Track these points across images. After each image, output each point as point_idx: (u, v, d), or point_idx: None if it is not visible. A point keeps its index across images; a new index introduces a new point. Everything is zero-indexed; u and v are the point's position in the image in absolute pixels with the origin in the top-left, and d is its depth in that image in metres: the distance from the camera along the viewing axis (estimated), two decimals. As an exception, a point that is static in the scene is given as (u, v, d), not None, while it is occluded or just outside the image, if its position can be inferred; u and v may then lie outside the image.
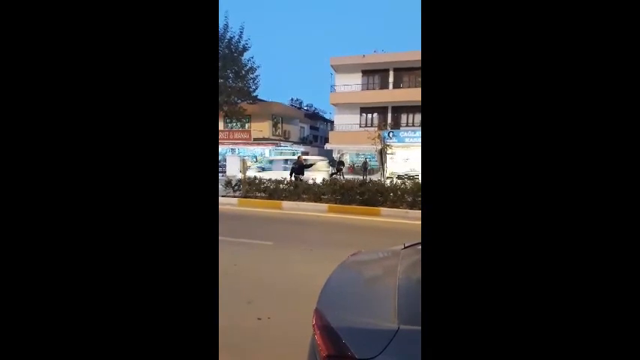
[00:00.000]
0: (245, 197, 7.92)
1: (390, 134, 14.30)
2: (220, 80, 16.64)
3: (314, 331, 1.13)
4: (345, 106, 19.80)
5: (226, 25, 16.38)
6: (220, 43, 16.36)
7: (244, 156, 18.63)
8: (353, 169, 17.89)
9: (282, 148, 21.94)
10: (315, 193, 7.49)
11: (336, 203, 7.07)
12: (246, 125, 21.78)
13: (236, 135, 21.80)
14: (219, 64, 16.48)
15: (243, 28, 16.71)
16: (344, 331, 1.03)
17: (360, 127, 19.36)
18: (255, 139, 21.41)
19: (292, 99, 31.51)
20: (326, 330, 1.07)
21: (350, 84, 19.51)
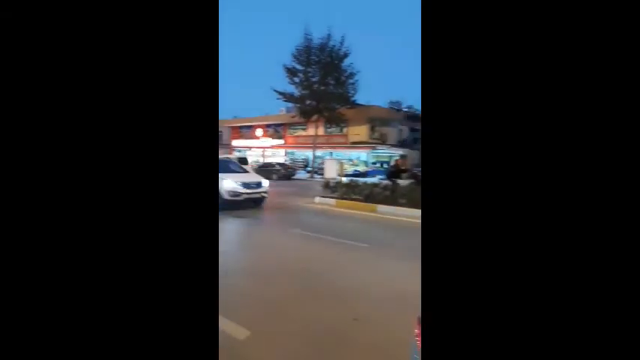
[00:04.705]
0: (342, 199, 8.15)
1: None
2: (322, 87, 17.67)
3: (417, 340, 1.08)
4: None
5: (329, 36, 17.28)
6: (322, 53, 17.40)
7: (341, 159, 19.24)
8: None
9: (378, 151, 21.71)
10: (413, 199, 7.14)
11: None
12: (344, 130, 22.42)
13: (334, 139, 22.68)
14: (321, 72, 17.52)
15: (344, 36, 17.32)
16: None
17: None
18: (352, 143, 21.82)
19: (391, 101, 30.81)
20: None
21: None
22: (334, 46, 17.31)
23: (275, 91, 18.55)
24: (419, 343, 1.06)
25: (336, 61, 17.39)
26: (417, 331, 1.09)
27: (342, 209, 7.60)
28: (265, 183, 7.71)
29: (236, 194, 6.89)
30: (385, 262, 3.84)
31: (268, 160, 23.49)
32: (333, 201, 8.09)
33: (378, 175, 16.52)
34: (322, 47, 17.43)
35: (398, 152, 21.63)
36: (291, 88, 18.38)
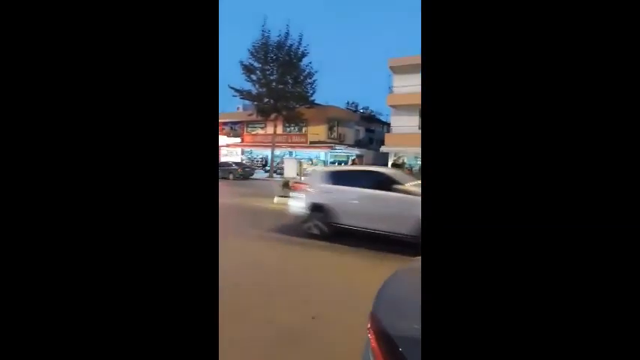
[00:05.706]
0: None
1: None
2: (280, 86, 17.48)
3: (369, 335, 1.11)
4: (403, 108, 19.17)
5: (287, 34, 17.14)
6: (280, 51, 17.21)
7: (301, 159, 19.24)
8: (411, 172, 17.22)
9: (337, 151, 22.09)
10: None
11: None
12: (303, 129, 22.45)
13: (294, 138, 22.60)
14: (279, 70, 17.32)
15: (302, 35, 17.31)
16: (401, 340, 0.99)
17: (420, 128, 18.55)
18: (311, 142, 21.93)
19: (348, 102, 31.65)
20: (383, 336, 1.04)
21: (409, 85, 18.86)
22: (292, 44, 17.21)
23: (231, 88, 17.95)
24: (370, 336, 1.10)
25: (295, 60, 17.31)
26: (369, 325, 1.14)
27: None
28: None
29: None
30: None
31: (224, 159, 22.69)
32: (292, 200, 8.03)
33: (337, 174, 16.72)
34: (280, 45, 17.23)
35: (355, 152, 22.24)
36: (249, 86, 17.92)
